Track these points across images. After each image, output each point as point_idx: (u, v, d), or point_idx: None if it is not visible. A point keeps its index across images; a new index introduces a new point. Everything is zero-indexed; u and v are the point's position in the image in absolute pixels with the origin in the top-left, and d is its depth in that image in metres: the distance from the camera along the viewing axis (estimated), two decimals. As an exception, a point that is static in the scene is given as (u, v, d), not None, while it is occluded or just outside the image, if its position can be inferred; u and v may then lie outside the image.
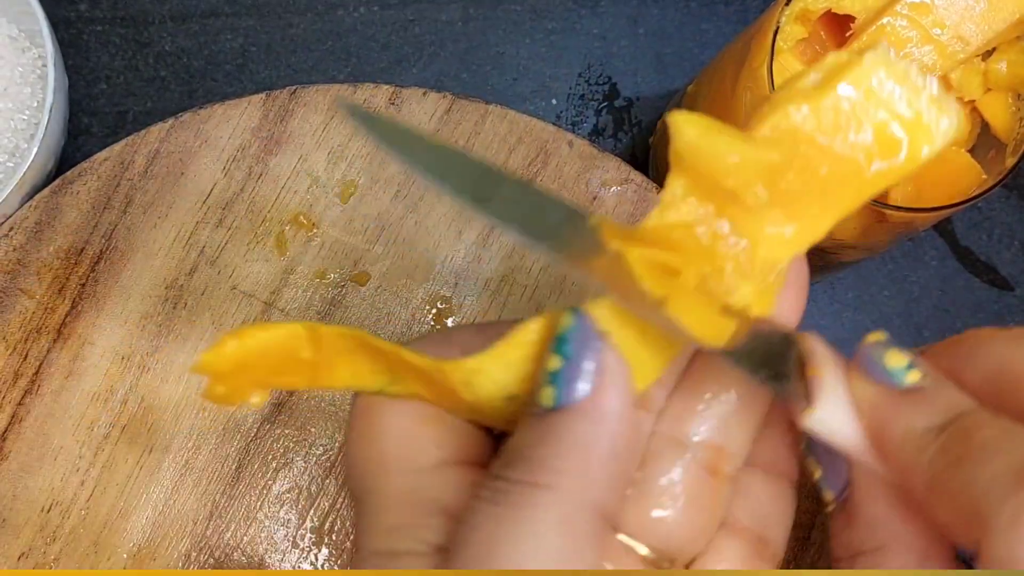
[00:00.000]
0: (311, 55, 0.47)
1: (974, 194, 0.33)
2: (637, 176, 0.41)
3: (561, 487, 0.17)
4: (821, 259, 0.39)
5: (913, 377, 0.18)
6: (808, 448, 0.20)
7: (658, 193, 0.41)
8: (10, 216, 0.40)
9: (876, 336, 0.19)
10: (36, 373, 0.39)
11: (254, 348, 0.18)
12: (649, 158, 0.47)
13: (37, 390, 0.39)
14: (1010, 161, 0.33)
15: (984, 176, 0.34)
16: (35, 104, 0.42)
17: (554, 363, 0.17)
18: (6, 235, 0.40)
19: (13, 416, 0.39)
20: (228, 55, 0.47)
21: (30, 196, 0.41)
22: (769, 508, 0.21)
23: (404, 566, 0.18)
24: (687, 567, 0.20)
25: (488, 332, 0.19)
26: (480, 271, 0.41)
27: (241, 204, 0.41)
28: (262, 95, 0.41)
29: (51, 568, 0.38)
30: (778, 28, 0.33)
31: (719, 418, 0.20)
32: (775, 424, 0.21)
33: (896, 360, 0.18)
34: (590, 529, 0.17)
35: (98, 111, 0.46)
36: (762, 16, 0.35)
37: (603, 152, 0.42)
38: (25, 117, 0.41)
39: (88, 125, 0.46)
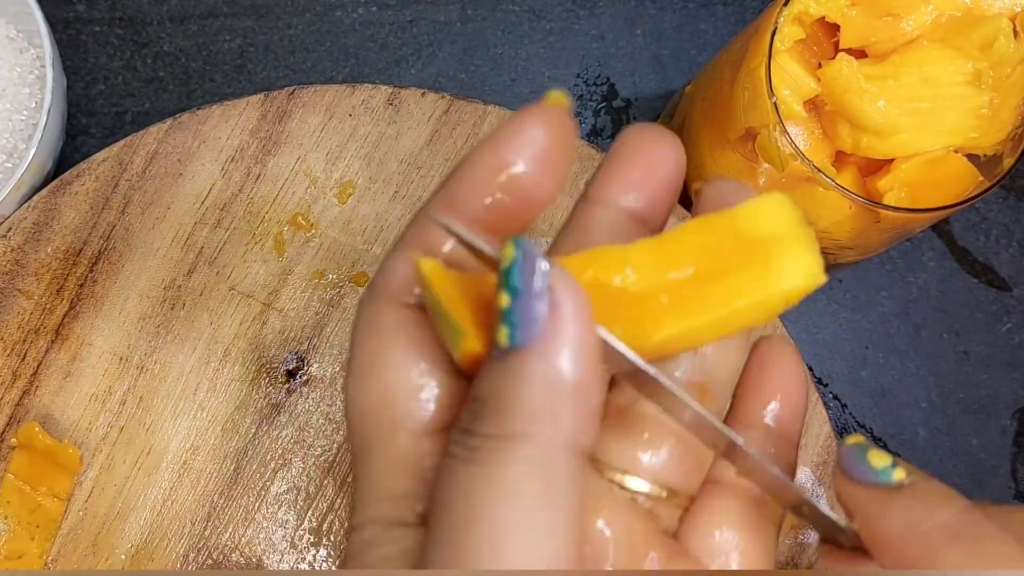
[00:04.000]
0: (310, 56, 0.47)
1: (972, 195, 0.33)
2: (635, 177, 0.41)
3: (533, 435, 0.16)
4: (819, 260, 0.39)
5: (899, 475, 0.18)
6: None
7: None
8: (8, 217, 0.40)
9: (854, 439, 0.19)
10: (34, 374, 0.39)
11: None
12: (647, 159, 0.47)
13: (35, 391, 0.39)
14: (1007, 162, 0.33)
15: (981, 178, 0.34)
16: (33, 104, 0.42)
17: (504, 300, 0.16)
18: (4, 236, 0.40)
19: (11, 416, 0.39)
20: (227, 56, 0.47)
21: (28, 197, 0.41)
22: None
23: (393, 538, 0.17)
24: (687, 506, 0.20)
25: None
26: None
27: (239, 205, 0.41)
28: (260, 96, 0.41)
29: (49, 568, 0.38)
30: (776, 29, 0.33)
31: (701, 359, 0.20)
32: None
33: (880, 460, 0.18)
34: (569, 471, 0.16)
35: (96, 112, 0.46)
36: (760, 17, 0.35)
37: (602, 152, 0.42)
38: (23, 117, 0.41)
39: (86, 126, 0.46)
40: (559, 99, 0.18)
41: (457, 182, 0.18)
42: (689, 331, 0.18)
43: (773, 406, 0.21)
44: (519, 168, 0.18)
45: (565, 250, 0.20)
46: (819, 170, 0.32)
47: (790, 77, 0.33)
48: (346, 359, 0.19)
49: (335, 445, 0.40)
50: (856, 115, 0.33)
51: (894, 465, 0.18)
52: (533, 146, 0.18)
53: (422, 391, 0.18)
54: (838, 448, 0.19)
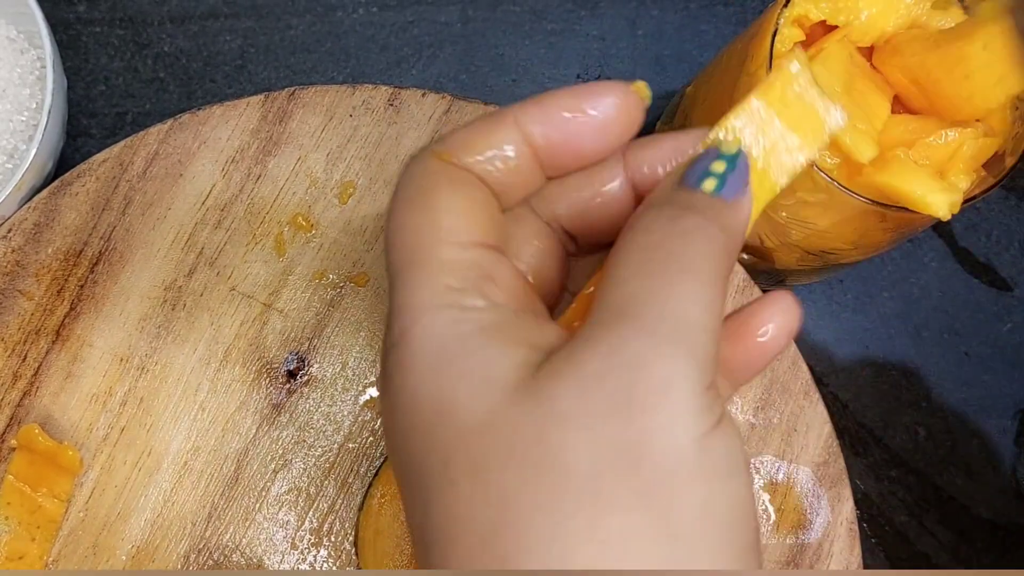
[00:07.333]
0: (310, 56, 0.47)
1: (973, 195, 0.33)
2: (636, 177, 0.41)
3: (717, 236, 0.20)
4: (821, 260, 0.39)
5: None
6: None
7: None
8: (9, 218, 0.40)
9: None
10: (35, 375, 0.39)
11: None
12: (648, 159, 0.47)
13: (36, 392, 0.39)
14: (1009, 162, 0.33)
15: (984, 173, 0.34)
16: (34, 105, 0.42)
17: (719, 167, 0.22)
18: (5, 237, 0.40)
19: (12, 417, 0.39)
20: (227, 56, 0.47)
21: (29, 198, 0.41)
22: None
23: (471, 318, 0.19)
24: None
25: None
26: (479, 272, 0.41)
27: (240, 205, 0.41)
28: (261, 96, 0.41)
29: (50, 569, 0.38)
30: (776, 31, 0.33)
31: None
32: None
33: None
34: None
35: (97, 112, 0.46)
36: (760, 18, 0.35)
37: (602, 153, 0.42)
38: (24, 118, 0.41)
39: (87, 126, 0.46)
40: (641, 90, 0.23)
41: (544, 96, 0.22)
42: None
43: None
44: (592, 112, 0.22)
45: None
46: (824, 174, 0.32)
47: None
48: (391, 198, 0.21)
49: (336, 446, 0.40)
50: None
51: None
52: (606, 106, 0.22)
53: (466, 211, 0.20)
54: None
